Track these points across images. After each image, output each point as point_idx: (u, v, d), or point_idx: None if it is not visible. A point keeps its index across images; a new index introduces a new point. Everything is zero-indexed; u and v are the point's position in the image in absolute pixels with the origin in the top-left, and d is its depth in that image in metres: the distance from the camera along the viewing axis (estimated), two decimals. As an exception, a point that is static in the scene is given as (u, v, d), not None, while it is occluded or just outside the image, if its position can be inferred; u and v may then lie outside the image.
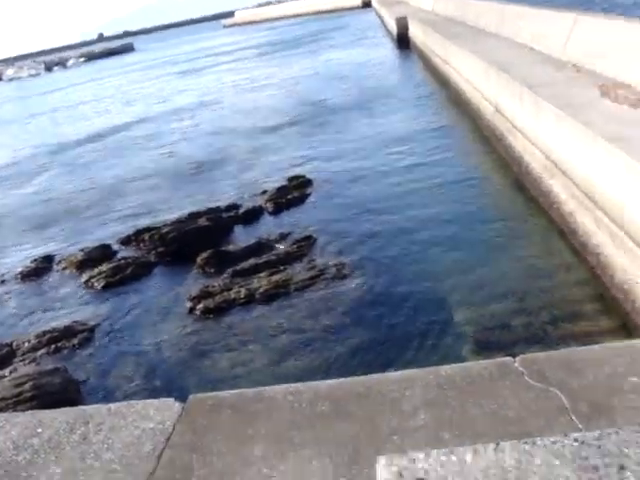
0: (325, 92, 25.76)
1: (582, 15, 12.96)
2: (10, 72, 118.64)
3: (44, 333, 9.64)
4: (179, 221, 12.83)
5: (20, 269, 12.81)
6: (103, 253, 12.60)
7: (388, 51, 36.86)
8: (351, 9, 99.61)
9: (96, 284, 11.30)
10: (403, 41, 36.10)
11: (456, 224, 10.72)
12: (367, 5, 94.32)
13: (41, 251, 13.70)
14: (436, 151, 14.86)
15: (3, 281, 12.55)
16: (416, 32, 32.27)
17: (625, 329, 6.76)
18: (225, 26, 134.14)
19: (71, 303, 10.84)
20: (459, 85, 18.86)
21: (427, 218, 11.15)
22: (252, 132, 21.08)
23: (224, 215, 12.95)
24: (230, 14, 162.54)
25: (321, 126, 19.73)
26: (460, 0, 29.57)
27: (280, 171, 15.59)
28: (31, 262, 13.05)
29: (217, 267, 10.60)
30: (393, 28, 39.08)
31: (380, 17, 61.19)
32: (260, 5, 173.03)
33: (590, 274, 8.06)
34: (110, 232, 13.88)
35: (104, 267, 11.76)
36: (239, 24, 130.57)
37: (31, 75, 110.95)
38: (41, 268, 12.75)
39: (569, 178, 8.88)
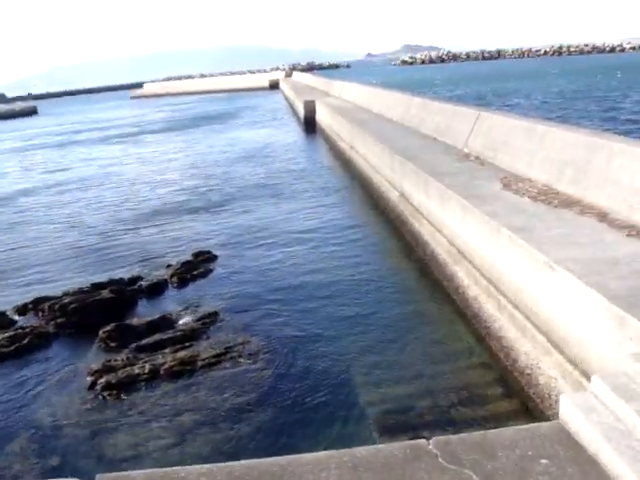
0: (232, 171, 25.82)
1: (485, 112, 13.76)
2: None
3: None
4: (81, 292, 12.42)
5: None
6: (-3, 321, 12.01)
7: (295, 133, 37.71)
8: (258, 90, 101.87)
9: (-12, 354, 10.70)
10: (310, 124, 37.08)
11: (362, 305, 10.84)
12: (274, 87, 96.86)
13: None
14: (341, 234, 15.10)
15: None
16: (323, 116, 33.22)
17: (527, 412, 6.97)
18: (132, 97, 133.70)
19: (-41, 373, 10.20)
20: (364, 170, 19.43)
21: (332, 299, 11.23)
22: (158, 206, 20.84)
23: (128, 288, 12.62)
24: (138, 85, 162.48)
25: (228, 204, 19.70)
26: (367, 88, 30.80)
27: (186, 246, 15.44)
28: None
29: (120, 341, 10.23)
30: (300, 111, 40.11)
31: (287, 99, 62.78)
32: (169, 79, 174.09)
33: (493, 358, 8.32)
34: (6, 300, 13.25)
35: (-1, 335, 11.20)
36: (147, 96, 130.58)
37: None
38: None
39: (473, 265, 9.23)
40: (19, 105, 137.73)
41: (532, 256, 7.00)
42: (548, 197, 9.17)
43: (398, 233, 14.33)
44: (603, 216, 7.96)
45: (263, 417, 7.68)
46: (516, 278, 7.58)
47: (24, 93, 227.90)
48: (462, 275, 9.80)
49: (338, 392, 8.15)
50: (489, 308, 8.57)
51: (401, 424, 7.14)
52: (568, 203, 8.74)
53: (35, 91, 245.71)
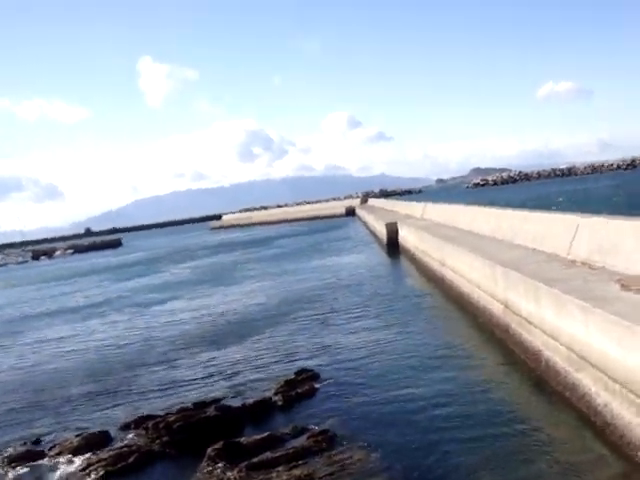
0: (323, 296, 25.40)
1: (586, 217, 13.43)
2: None
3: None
4: (184, 410, 12.34)
5: (7, 453, 12.07)
6: (101, 439, 11.95)
7: (379, 257, 37.58)
8: (334, 217, 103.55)
9: (94, 473, 10.54)
10: (393, 246, 37.23)
11: (478, 423, 10.25)
12: (350, 214, 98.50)
13: (28, 434, 13.01)
14: (443, 352, 14.60)
15: (-13, 466, 11.72)
16: (407, 236, 33.31)
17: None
18: (212, 228, 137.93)
19: (68, 493, 10.06)
20: (459, 286, 19.13)
21: (445, 415, 10.74)
22: (258, 326, 21.04)
23: (232, 406, 12.43)
24: (217, 217, 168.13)
25: (325, 327, 19.44)
26: (452, 206, 30.92)
27: (285, 365, 15.39)
28: (20, 445, 12.38)
29: (229, 460, 9.90)
30: (382, 233, 40.32)
31: (366, 224, 63.48)
32: (246, 210, 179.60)
33: (635, 468, 7.70)
34: (105, 418, 13.32)
35: (104, 454, 11.09)
36: (225, 227, 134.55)
37: (18, 262, 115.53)
38: (31, 452, 12.00)
39: (601, 370, 8.74)
40: (106, 238, 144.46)
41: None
42: (674, 297, 8.75)
43: (504, 347, 13.82)
44: None
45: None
46: (657, 380, 7.11)
47: (109, 226, 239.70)
48: (587, 382, 9.28)
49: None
50: (624, 415, 8.02)
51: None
52: (698, 302, 8.30)
53: (119, 224, 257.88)
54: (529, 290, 11.94)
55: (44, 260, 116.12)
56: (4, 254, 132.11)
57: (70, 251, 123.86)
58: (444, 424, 10.40)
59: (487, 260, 15.30)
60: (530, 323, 12.05)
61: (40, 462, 11.50)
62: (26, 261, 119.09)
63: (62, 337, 24.99)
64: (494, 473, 8.46)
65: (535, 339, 11.81)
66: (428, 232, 26.18)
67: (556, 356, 10.65)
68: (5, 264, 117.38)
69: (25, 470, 11.27)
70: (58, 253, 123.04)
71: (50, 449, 12.01)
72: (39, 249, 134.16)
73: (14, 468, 11.44)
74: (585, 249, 12.82)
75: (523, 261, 14.18)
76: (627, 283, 9.94)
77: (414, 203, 46.60)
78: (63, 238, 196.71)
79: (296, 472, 9.15)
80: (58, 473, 10.90)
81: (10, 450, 12.18)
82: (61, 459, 11.49)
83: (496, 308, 14.62)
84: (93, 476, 10.47)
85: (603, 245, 12.09)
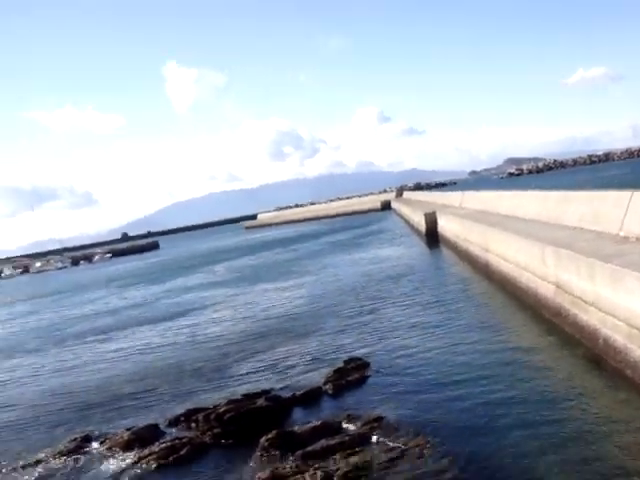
0: (366, 290, 25.08)
1: (638, 191, 12.96)
2: (38, 265, 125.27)
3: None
4: (234, 401, 12.18)
5: (58, 449, 12.00)
6: (152, 433, 11.85)
7: (418, 248, 37.14)
8: (370, 211, 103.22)
9: (146, 466, 10.46)
10: (432, 236, 36.83)
11: (538, 405, 9.96)
12: (386, 207, 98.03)
13: (78, 431, 12.94)
14: (496, 338, 14.24)
15: (39, 461, 11.69)
16: (446, 225, 32.90)
17: None
18: (247, 227, 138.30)
19: (121, 486, 9.96)
20: (505, 270, 18.73)
21: (503, 401, 10.43)
22: (304, 320, 20.92)
23: (283, 396, 12.27)
24: (252, 217, 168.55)
25: (374, 317, 19.19)
26: (492, 193, 30.43)
27: (334, 355, 15.31)
28: (69, 441, 12.30)
29: (283, 449, 9.77)
30: (421, 224, 39.89)
31: (402, 216, 63.07)
32: (280, 209, 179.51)
33: None
34: (153, 414, 13.25)
35: (155, 447, 10.99)
36: (260, 226, 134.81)
37: (58, 268, 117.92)
38: (82, 447, 11.94)
39: (667, 344, 8.37)
40: (143, 241, 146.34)
41: None
42: None
43: (557, 328, 13.43)
44: None
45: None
46: None
47: (144, 231, 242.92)
48: (652, 357, 8.92)
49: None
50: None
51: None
52: None
53: (156, 229, 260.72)
54: (582, 267, 11.56)
55: (83, 265, 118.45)
56: (44, 260, 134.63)
57: (108, 255, 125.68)
58: (501, 409, 10.12)
59: (535, 241, 14.91)
60: (585, 302, 11.67)
61: (91, 457, 11.47)
62: (65, 266, 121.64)
63: (105, 339, 25.03)
64: (557, 455, 8.17)
65: (590, 317, 11.43)
66: (469, 219, 25.77)
67: (615, 333, 10.28)
68: (46, 270, 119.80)
69: (77, 465, 11.22)
70: (97, 258, 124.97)
71: (101, 444, 11.97)
72: (78, 255, 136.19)
73: (66, 463, 11.40)
74: (639, 224, 12.38)
75: (572, 240, 13.76)
76: (689, 255, 9.55)
77: (451, 192, 46.08)
78: (101, 244, 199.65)
79: (354, 459, 8.96)
80: (110, 467, 10.83)
81: (61, 446, 12.13)
82: (112, 453, 11.42)
83: (546, 289, 14.23)
84: (145, 469, 10.39)
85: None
